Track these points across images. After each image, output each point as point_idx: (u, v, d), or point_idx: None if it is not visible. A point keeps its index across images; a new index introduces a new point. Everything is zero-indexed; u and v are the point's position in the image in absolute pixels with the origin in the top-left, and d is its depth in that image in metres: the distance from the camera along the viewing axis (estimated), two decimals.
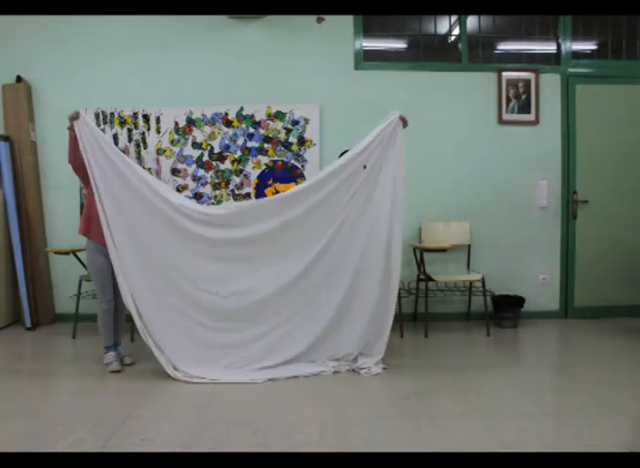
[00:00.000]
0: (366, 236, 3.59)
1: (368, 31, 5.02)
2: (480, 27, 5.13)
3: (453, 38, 5.19)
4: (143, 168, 4.81)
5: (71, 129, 3.42)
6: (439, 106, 4.99)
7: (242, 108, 4.88)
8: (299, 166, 4.90)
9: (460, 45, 5.06)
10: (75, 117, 3.39)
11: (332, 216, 3.59)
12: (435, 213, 4.96)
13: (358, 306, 3.60)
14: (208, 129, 4.89)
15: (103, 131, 4.86)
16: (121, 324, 3.77)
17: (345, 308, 3.60)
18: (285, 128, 4.92)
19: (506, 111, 5.02)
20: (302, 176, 4.86)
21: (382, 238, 3.58)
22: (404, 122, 3.61)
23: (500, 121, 5.02)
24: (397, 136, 3.59)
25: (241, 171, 4.92)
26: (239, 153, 4.92)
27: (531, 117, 5.02)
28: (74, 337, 4.35)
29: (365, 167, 3.60)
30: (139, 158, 4.89)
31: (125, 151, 4.87)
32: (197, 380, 3.39)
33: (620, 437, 2.58)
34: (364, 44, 5.01)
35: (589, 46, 5.26)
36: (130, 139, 4.89)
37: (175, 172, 4.90)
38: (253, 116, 4.89)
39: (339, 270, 3.60)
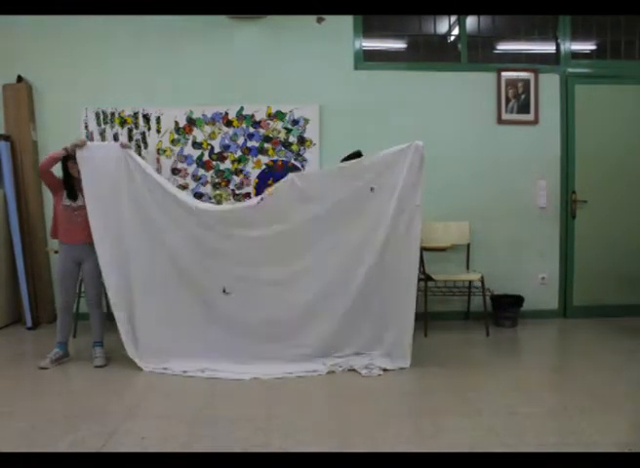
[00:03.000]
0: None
1: (368, 31, 5.02)
2: (479, 27, 5.13)
3: (452, 38, 5.19)
4: None
5: (66, 150, 3.66)
6: (439, 106, 5.00)
7: (242, 108, 4.89)
8: (299, 165, 4.91)
9: (459, 45, 5.07)
10: (81, 145, 3.65)
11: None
12: (435, 212, 4.95)
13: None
14: (208, 128, 4.89)
15: (104, 131, 4.88)
16: (96, 324, 3.83)
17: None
18: (285, 128, 4.92)
19: (506, 111, 5.03)
20: None
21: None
22: None
23: (500, 121, 5.03)
24: (415, 162, 3.65)
25: (241, 170, 4.92)
26: (239, 153, 4.92)
27: (530, 117, 5.03)
28: (75, 336, 4.36)
29: (372, 189, 3.63)
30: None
31: None
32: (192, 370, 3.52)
33: (620, 436, 2.59)
34: (364, 44, 5.01)
35: (588, 46, 5.26)
36: (130, 139, 4.89)
37: (175, 171, 4.91)
38: (253, 116, 4.90)
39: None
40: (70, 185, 3.73)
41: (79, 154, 3.63)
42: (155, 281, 3.70)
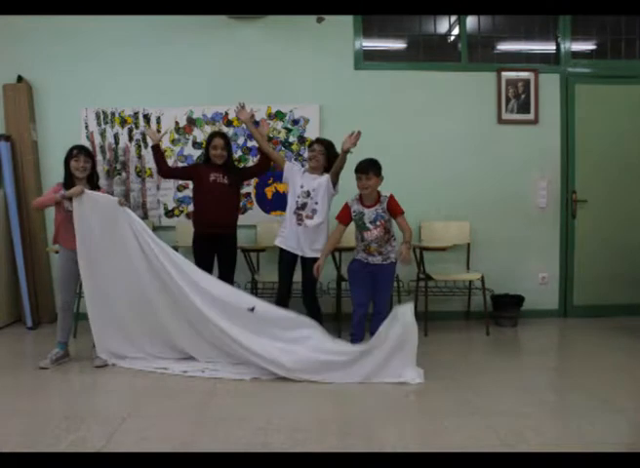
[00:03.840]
0: None
1: (368, 31, 5.03)
2: (480, 27, 5.13)
3: (452, 38, 5.20)
4: (144, 167, 4.87)
5: (64, 197, 3.63)
6: (439, 106, 5.00)
7: None
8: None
9: (459, 45, 5.07)
10: (78, 194, 3.61)
11: None
12: (435, 212, 4.98)
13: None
14: (208, 128, 4.89)
15: (104, 131, 4.88)
16: None
17: None
18: (285, 128, 4.92)
19: (506, 111, 5.03)
20: None
21: None
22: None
23: (500, 120, 5.03)
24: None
25: None
26: (239, 153, 4.92)
27: (530, 117, 5.03)
28: (75, 336, 4.36)
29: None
30: (139, 157, 4.90)
31: (126, 150, 4.89)
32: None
33: (620, 436, 2.59)
34: (364, 44, 5.01)
35: (588, 46, 5.26)
36: (130, 139, 4.90)
37: None
38: (253, 116, 4.88)
39: None
40: (72, 187, 3.69)
41: (75, 203, 3.60)
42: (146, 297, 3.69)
